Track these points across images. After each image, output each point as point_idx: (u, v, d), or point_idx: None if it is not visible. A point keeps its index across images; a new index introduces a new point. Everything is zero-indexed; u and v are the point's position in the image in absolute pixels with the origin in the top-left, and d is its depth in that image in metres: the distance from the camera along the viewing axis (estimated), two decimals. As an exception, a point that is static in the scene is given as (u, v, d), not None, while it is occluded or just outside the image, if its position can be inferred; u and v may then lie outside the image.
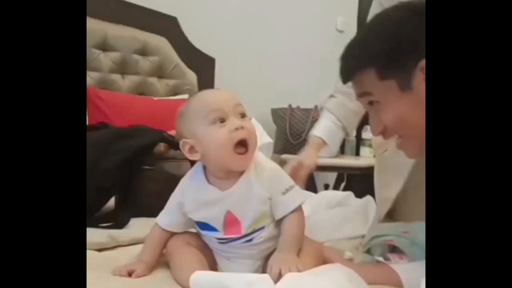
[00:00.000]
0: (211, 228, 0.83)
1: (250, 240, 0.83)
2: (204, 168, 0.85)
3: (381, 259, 0.98)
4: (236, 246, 0.83)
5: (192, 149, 0.82)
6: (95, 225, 1.10)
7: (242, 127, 0.79)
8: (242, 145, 0.79)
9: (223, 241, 0.84)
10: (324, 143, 1.13)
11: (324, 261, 0.84)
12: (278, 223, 0.83)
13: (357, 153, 2.59)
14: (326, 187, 2.68)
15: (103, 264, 0.87)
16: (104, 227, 1.10)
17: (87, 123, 1.63)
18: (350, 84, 1.09)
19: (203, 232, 0.86)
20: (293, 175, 1.06)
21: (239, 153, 0.79)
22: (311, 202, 1.36)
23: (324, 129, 1.14)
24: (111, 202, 1.23)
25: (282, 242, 0.81)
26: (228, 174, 0.82)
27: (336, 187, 2.59)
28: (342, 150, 2.47)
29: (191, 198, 0.84)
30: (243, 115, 0.81)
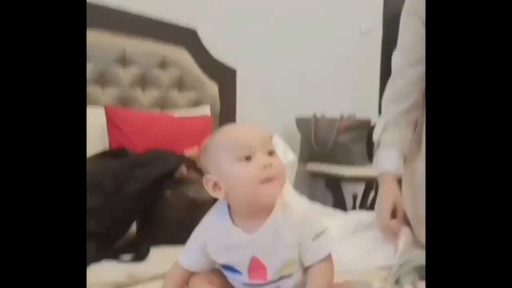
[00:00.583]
0: (236, 271, 0.80)
1: (278, 287, 0.79)
2: (229, 207, 0.80)
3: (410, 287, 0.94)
4: None
5: (215, 186, 0.77)
6: (116, 256, 1.08)
7: (270, 165, 0.75)
8: (270, 182, 0.75)
9: (248, 286, 0.80)
10: (395, 175, 1.21)
11: None
12: (307, 269, 0.79)
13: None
14: (355, 197, 2.62)
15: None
16: (125, 260, 1.07)
17: (107, 145, 1.61)
18: (399, 114, 1.21)
19: (228, 274, 0.82)
20: (390, 218, 1.16)
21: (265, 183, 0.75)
22: (338, 225, 1.31)
23: (391, 163, 1.22)
24: (131, 231, 1.21)
25: None
26: (254, 213, 0.77)
27: (364, 197, 2.53)
28: (370, 159, 2.40)
29: (215, 240, 0.80)
30: (271, 153, 0.77)
